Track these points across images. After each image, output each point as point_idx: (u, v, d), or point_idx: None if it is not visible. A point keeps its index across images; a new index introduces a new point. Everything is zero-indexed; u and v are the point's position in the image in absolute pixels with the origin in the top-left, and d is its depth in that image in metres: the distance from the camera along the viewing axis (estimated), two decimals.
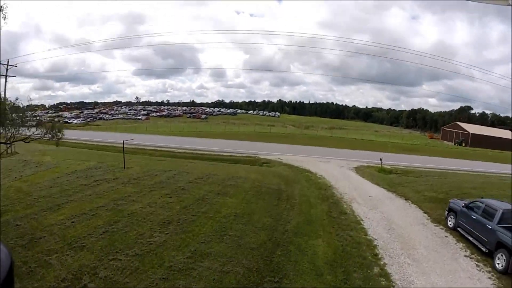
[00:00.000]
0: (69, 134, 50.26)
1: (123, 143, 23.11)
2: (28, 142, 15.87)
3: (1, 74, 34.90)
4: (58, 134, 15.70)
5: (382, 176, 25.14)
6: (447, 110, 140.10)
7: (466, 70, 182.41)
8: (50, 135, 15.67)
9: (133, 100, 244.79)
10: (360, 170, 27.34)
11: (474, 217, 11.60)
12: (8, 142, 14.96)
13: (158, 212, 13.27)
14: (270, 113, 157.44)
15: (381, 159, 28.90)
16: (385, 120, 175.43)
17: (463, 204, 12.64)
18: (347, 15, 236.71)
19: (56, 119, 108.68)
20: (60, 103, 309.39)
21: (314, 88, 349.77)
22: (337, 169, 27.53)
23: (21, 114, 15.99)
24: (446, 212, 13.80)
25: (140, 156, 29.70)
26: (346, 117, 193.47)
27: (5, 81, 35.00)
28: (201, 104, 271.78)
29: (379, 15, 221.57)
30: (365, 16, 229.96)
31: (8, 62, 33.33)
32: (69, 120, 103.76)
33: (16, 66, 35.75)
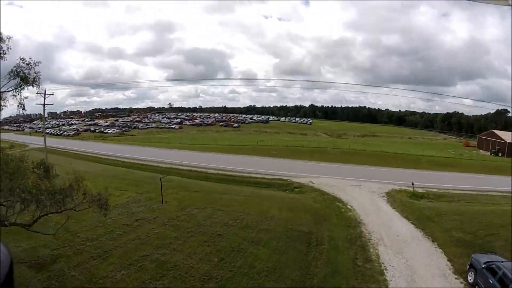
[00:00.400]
0: (106, 149, 53.71)
1: (161, 181, 24.43)
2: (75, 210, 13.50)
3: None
4: (106, 208, 13.65)
5: (413, 206, 25.36)
6: (483, 113, 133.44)
7: (501, 68, 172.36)
8: (97, 206, 13.37)
9: (166, 106, 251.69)
10: (391, 197, 27.67)
11: (491, 282, 12.14)
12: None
13: (198, 266, 14.47)
14: (302, 120, 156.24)
15: (412, 184, 29.11)
16: (419, 124, 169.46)
17: (483, 265, 13.15)
18: (375, 15, 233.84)
19: (92, 128, 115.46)
20: (95, 110, 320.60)
21: (345, 90, 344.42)
22: (368, 197, 27.93)
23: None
24: (468, 266, 14.31)
25: (175, 181, 31.30)
26: (379, 121, 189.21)
27: (44, 109, 37.59)
28: (233, 110, 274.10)
29: (407, 14, 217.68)
30: (393, 15, 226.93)
31: (45, 91, 36.11)
32: (105, 129, 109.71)
33: (53, 94, 38.51)
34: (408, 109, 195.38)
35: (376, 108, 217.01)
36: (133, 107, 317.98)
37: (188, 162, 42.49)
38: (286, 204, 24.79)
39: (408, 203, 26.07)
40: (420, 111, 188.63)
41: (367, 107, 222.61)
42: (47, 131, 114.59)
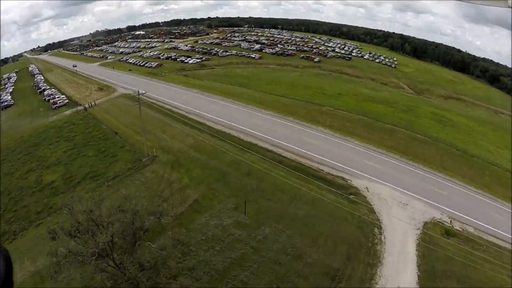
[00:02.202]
0: (191, 103, 55.11)
1: (245, 205, 25.75)
2: None
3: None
4: None
5: (434, 253, 27.31)
6: None
7: None
8: None
9: (245, 28, 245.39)
10: (426, 230, 30.01)
11: None
12: None
13: None
14: (386, 61, 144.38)
15: (451, 221, 31.22)
16: None
17: None
18: None
19: (172, 55, 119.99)
20: (174, 20, 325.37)
21: (442, 21, 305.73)
22: (403, 226, 30.15)
23: None
24: None
25: (255, 174, 37.53)
26: (471, 72, 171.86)
27: (139, 108, 39.16)
28: (316, 28, 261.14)
29: None
30: None
31: (138, 92, 37.36)
32: (185, 59, 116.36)
33: (145, 92, 39.70)
34: (507, 61, 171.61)
35: (472, 55, 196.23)
36: (212, 16, 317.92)
37: (268, 136, 46.40)
38: (334, 230, 29.34)
39: (433, 244, 28.07)
40: None
41: (462, 51, 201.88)
42: (129, 61, 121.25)
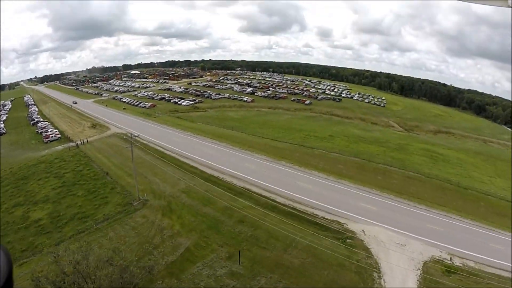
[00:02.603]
0: (186, 148, 54.83)
1: (239, 254, 25.33)
2: None
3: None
4: None
5: None
6: None
7: None
8: None
9: (237, 70, 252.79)
10: (426, 269, 29.57)
11: None
12: None
13: None
14: (375, 100, 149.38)
15: (451, 258, 30.80)
16: (499, 118, 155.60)
17: None
18: None
19: (166, 96, 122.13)
20: (168, 62, 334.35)
21: (426, 57, 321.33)
22: (403, 267, 29.59)
23: None
24: None
25: (248, 221, 36.66)
26: (457, 105, 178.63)
27: (132, 151, 39.35)
28: (306, 70, 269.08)
29: None
30: None
31: (131, 135, 37.83)
32: (179, 101, 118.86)
33: (138, 135, 40.21)
34: (491, 90, 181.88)
35: (458, 88, 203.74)
36: (205, 57, 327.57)
37: (261, 181, 45.94)
38: (331, 278, 28.59)
39: (435, 283, 27.68)
40: (504, 95, 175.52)
41: (447, 85, 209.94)
42: (123, 99, 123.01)
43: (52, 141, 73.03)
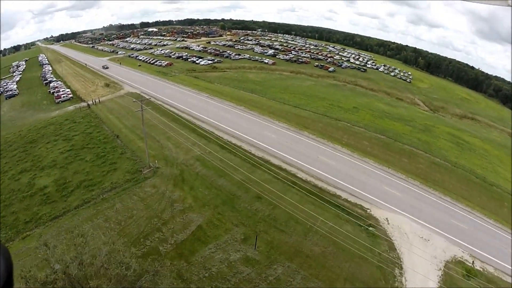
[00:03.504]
0: (200, 109, 51.72)
1: (256, 239, 22.29)
2: None
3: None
4: None
5: None
6: None
7: None
8: None
9: (258, 31, 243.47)
10: (447, 270, 27.27)
11: None
12: None
13: None
14: (401, 75, 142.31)
15: (473, 262, 28.68)
16: None
17: None
18: None
19: (183, 55, 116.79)
20: (187, 20, 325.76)
21: (454, 36, 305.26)
22: (425, 266, 27.38)
23: None
24: None
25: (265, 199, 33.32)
26: (484, 91, 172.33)
27: (142, 116, 35.64)
28: (329, 36, 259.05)
29: None
30: None
31: (141, 101, 34.12)
32: (197, 60, 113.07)
33: (150, 98, 36.42)
34: None
35: (485, 73, 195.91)
36: (225, 18, 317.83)
37: (282, 153, 42.67)
38: (352, 272, 26.07)
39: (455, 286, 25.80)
40: None
41: (475, 68, 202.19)
42: (139, 57, 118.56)
43: (64, 101, 71.06)
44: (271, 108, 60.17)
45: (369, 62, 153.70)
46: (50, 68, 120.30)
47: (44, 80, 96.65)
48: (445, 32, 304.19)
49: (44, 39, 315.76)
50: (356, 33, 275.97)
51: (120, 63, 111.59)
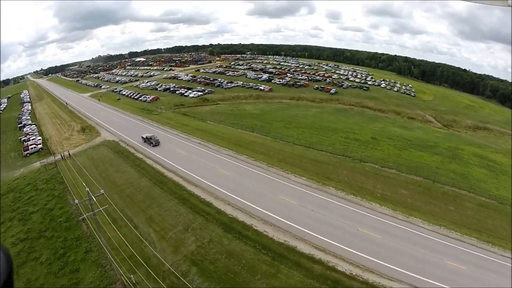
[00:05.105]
0: (187, 162, 40.93)
1: None
2: None
3: None
4: None
5: None
6: None
7: None
8: None
9: (247, 55, 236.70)
10: None
11: None
12: None
13: None
14: (404, 89, 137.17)
15: None
16: None
17: None
18: None
19: (171, 87, 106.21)
20: (176, 47, 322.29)
21: (437, 40, 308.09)
22: None
23: None
24: None
25: None
26: (481, 93, 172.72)
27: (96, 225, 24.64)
28: (318, 53, 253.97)
29: None
30: None
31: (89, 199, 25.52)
32: (185, 92, 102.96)
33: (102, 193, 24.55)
34: (503, 74, 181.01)
35: (477, 74, 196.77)
36: (213, 41, 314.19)
37: (309, 231, 30.97)
38: None
39: None
40: None
41: (468, 70, 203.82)
42: (123, 92, 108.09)
43: (32, 153, 60.01)
44: (280, 154, 48.84)
45: (368, 78, 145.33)
46: (30, 108, 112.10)
47: (19, 124, 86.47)
48: (428, 37, 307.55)
49: (34, 72, 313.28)
50: (342, 47, 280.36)
51: (99, 99, 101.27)
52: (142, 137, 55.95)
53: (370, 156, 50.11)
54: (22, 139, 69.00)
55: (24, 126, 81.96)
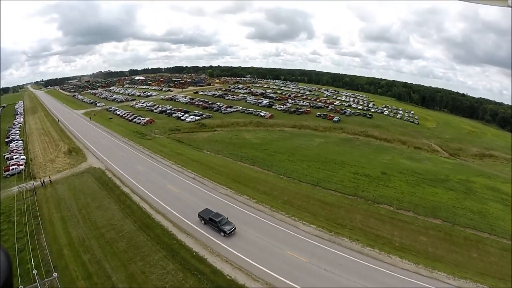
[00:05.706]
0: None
1: None
2: None
3: None
4: None
5: None
6: None
7: None
8: None
9: (247, 78, 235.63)
10: None
11: None
12: None
13: None
14: (408, 117, 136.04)
15: None
16: None
17: None
18: None
19: (167, 109, 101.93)
20: (176, 67, 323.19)
21: (433, 64, 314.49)
22: None
23: None
24: None
25: None
26: (480, 117, 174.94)
27: None
28: (318, 78, 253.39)
29: None
30: None
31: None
32: (182, 116, 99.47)
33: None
34: (499, 97, 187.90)
35: (475, 98, 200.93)
36: (213, 63, 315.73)
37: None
38: None
39: None
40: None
41: (465, 94, 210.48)
42: (117, 112, 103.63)
43: (12, 175, 54.54)
44: (284, 193, 43.54)
45: (370, 105, 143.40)
46: (21, 121, 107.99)
47: (7, 138, 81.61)
48: (425, 62, 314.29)
49: (35, 82, 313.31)
50: (341, 72, 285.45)
51: (90, 118, 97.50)
52: (200, 215, 35.85)
53: (383, 195, 45.31)
54: (6, 156, 64.23)
55: (12, 141, 77.88)
